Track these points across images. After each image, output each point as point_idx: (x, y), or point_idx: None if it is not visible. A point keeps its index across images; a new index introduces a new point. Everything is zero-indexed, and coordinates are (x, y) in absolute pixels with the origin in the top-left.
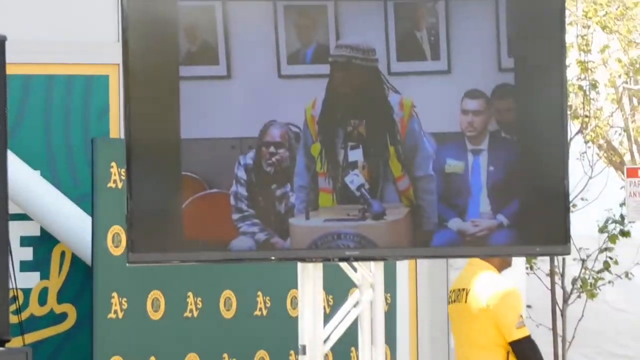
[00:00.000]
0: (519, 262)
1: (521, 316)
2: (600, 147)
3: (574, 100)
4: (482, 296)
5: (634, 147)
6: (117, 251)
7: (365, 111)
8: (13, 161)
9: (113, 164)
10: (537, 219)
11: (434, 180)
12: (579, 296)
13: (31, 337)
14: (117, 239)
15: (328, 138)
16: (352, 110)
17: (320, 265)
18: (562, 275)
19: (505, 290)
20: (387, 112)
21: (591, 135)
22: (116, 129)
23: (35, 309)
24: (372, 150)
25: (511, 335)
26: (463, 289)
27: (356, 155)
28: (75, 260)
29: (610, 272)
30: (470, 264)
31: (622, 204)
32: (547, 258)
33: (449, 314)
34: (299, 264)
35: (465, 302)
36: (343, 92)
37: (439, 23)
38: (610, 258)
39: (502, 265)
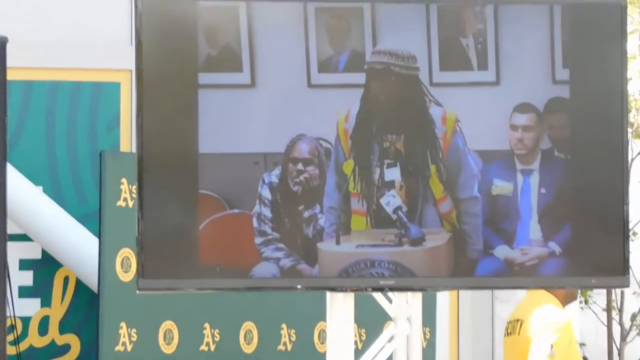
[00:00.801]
0: None
1: (552, 346)
2: None
3: (636, 117)
4: (534, 328)
5: None
6: (127, 277)
7: (403, 125)
8: (13, 176)
9: (123, 180)
10: (592, 247)
11: (480, 202)
12: (638, 333)
13: None
14: (126, 264)
15: (362, 154)
16: (389, 124)
17: (351, 296)
18: (620, 310)
19: (555, 324)
20: (428, 126)
21: None
22: (127, 141)
23: (34, 339)
24: (411, 169)
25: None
26: (518, 320)
27: (393, 174)
28: (80, 286)
29: None
30: (530, 294)
31: None
32: (604, 291)
33: (503, 348)
34: (328, 294)
35: (519, 334)
36: (379, 103)
37: (487, 29)
38: None
39: (567, 297)
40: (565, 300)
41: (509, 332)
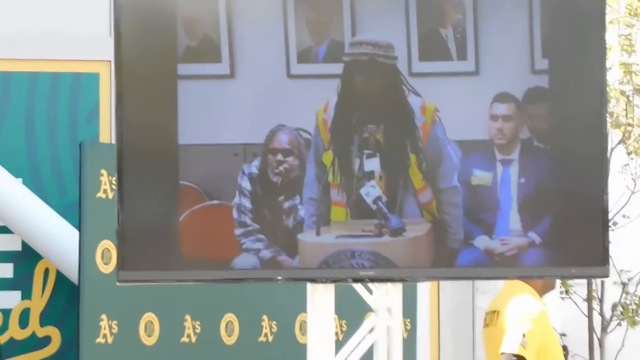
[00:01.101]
0: None
1: (524, 335)
2: None
3: (616, 106)
4: (509, 320)
5: None
6: (107, 269)
7: (383, 115)
8: None
9: (103, 171)
10: (572, 237)
11: (460, 192)
12: (619, 324)
13: None
14: (106, 255)
15: (341, 145)
16: (368, 115)
17: (331, 287)
18: (601, 301)
19: (529, 314)
20: (408, 116)
21: (634, 146)
22: (107, 132)
23: (15, 332)
24: (390, 159)
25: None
26: (495, 312)
27: (373, 164)
28: (60, 278)
29: None
30: (507, 284)
31: None
32: (585, 281)
33: (483, 339)
34: (309, 285)
35: (495, 325)
36: (358, 94)
37: (466, 19)
38: None
39: (545, 287)
40: (543, 291)
41: (486, 323)
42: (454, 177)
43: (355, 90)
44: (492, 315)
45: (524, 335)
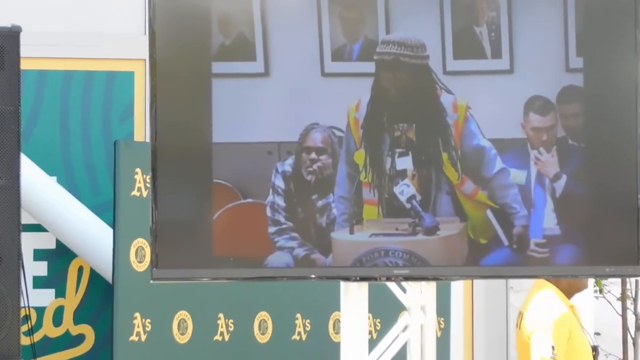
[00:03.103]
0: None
1: (553, 348)
2: None
3: None
4: (529, 321)
5: None
6: (141, 267)
7: (414, 114)
8: (27, 166)
9: (137, 170)
10: (606, 236)
11: (509, 173)
12: None
13: None
14: (140, 254)
15: (373, 144)
16: (399, 113)
17: (365, 285)
18: (635, 300)
19: (547, 318)
20: (439, 114)
21: None
22: (141, 131)
23: (49, 329)
24: (423, 158)
25: None
26: (520, 313)
27: (405, 163)
28: (94, 276)
29: None
30: (534, 284)
31: None
32: (619, 280)
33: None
34: (342, 284)
35: (520, 327)
36: (390, 93)
37: (500, 17)
38: None
39: (571, 288)
40: (570, 291)
41: (517, 323)
42: (497, 162)
43: (387, 89)
44: (519, 317)
45: (553, 348)
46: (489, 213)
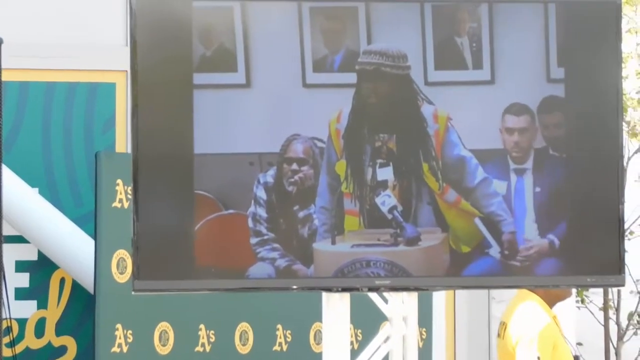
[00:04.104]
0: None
1: (538, 358)
2: None
3: (633, 115)
4: (514, 332)
5: None
6: (122, 278)
7: (395, 124)
8: (8, 177)
9: (119, 181)
10: (588, 246)
11: (491, 181)
12: (635, 333)
13: None
14: (122, 265)
15: (354, 154)
16: (380, 124)
17: (347, 296)
18: (617, 310)
19: (532, 329)
20: (420, 125)
21: None
22: (123, 142)
23: (31, 341)
24: (403, 168)
25: None
26: (503, 323)
27: (386, 173)
28: (76, 287)
29: None
30: (517, 295)
31: None
32: (601, 290)
33: (497, 349)
34: (324, 294)
35: (503, 338)
36: (370, 103)
37: (481, 28)
38: None
39: (554, 297)
40: (551, 300)
41: (498, 333)
42: (479, 172)
43: (368, 99)
44: (501, 327)
45: (538, 358)
46: (478, 221)
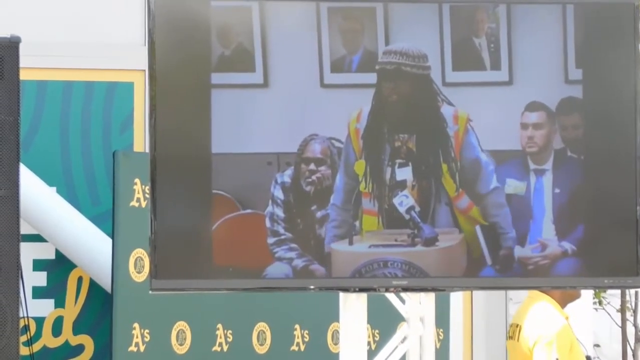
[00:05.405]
0: (586, 296)
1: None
2: None
3: None
4: (530, 334)
5: None
6: (140, 277)
7: (415, 125)
8: (26, 176)
9: (136, 180)
10: (605, 247)
11: (502, 191)
12: None
13: None
14: (139, 264)
15: (373, 154)
16: (400, 124)
17: (364, 296)
18: (635, 312)
19: (550, 330)
20: (440, 125)
21: None
22: (141, 141)
23: (48, 340)
24: (423, 168)
25: None
26: (517, 325)
27: (405, 173)
28: (94, 286)
29: None
30: (529, 296)
31: None
32: (618, 292)
33: (507, 351)
34: (341, 295)
35: (518, 340)
36: (391, 103)
37: (499, 29)
38: None
39: (565, 297)
40: (564, 300)
41: (510, 335)
42: (493, 180)
43: (388, 99)
44: (515, 329)
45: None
46: (478, 229)
